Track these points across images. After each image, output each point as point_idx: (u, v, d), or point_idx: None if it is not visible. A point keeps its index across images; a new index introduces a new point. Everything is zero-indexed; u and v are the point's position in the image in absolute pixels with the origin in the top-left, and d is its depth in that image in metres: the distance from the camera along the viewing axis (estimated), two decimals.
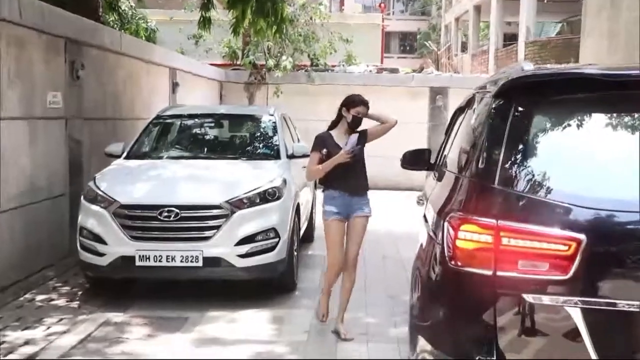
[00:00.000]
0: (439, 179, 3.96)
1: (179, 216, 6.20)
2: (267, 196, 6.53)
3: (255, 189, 6.50)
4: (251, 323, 6.00)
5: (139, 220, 6.26)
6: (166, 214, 6.19)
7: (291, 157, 7.58)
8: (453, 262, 2.87)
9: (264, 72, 15.60)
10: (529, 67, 3.21)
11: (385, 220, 9.72)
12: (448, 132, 5.17)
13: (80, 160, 8.32)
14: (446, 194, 3.38)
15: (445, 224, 2.98)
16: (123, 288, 6.76)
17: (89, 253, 6.37)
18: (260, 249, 6.38)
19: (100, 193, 6.43)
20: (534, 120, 2.98)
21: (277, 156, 7.48)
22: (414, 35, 42.90)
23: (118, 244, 6.22)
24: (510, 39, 25.45)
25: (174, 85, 12.13)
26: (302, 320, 6.06)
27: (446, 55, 26.30)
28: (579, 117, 2.97)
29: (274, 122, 7.98)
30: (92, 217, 6.38)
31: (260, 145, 7.91)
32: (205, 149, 7.89)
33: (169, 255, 6.17)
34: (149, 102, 10.78)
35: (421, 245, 3.69)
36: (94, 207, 6.39)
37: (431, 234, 3.33)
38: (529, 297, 2.68)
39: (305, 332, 5.75)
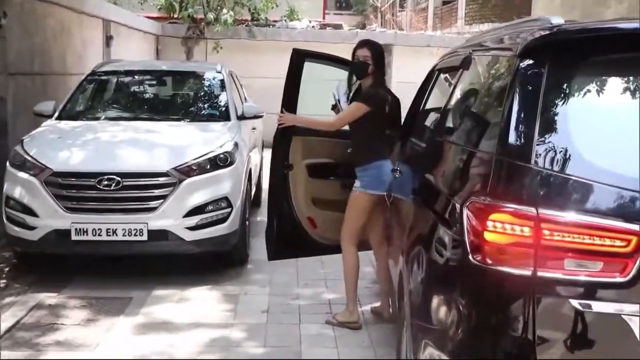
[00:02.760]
0: (434, 150, 3.37)
1: (120, 185, 5.48)
2: (218, 162, 5.86)
3: (204, 155, 5.82)
4: (202, 303, 5.38)
5: (75, 189, 5.51)
6: (106, 182, 5.46)
7: (241, 118, 6.89)
8: (478, 258, 2.31)
9: (203, 27, 14.68)
10: (559, 21, 2.63)
11: None
12: (425, 96, 4.59)
13: (4, 121, 7.38)
14: (456, 171, 2.81)
15: (465, 210, 2.41)
16: (57, 265, 6.00)
17: (17, 226, 5.59)
18: (212, 221, 5.74)
19: (29, 159, 5.63)
20: (574, 86, 2.42)
21: (226, 117, 6.77)
22: None
23: (51, 217, 5.47)
24: None
25: (108, 39, 11.16)
26: (258, 299, 5.47)
27: (390, 12, 25.63)
28: (631, 82, 2.41)
29: (222, 80, 7.24)
30: (20, 186, 5.58)
31: (208, 106, 7.16)
32: (147, 110, 7.07)
33: (109, 229, 5.46)
34: (82, 56, 9.83)
35: (416, 229, 3.12)
36: (22, 175, 5.59)
37: (436, 219, 2.77)
38: (576, 304, 2.15)
39: (263, 313, 5.17)
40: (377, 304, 5.19)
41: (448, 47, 15.05)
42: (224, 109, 6.89)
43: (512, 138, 2.36)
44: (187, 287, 5.67)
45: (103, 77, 7.36)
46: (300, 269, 6.12)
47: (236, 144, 6.16)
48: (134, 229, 5.49)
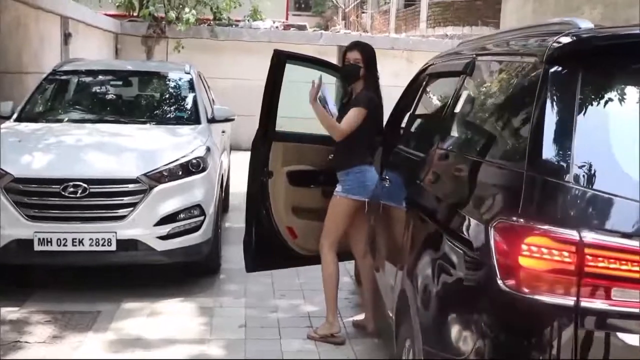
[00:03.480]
0: (439, 161, 3.15)
1: (87, 192, 5.14)
2: (190, 168, 5.56)
3: (176, 160, 5.51)
4: (175, 316, 5.07)
5: (38, 196, 5.15)
6: (72, 189, 5.11)
7: (212, 121, 6.60)
8: (510, 285, 2.10)
9: (164, 25, 14.25)
10: (587, 25, 2.43)
11: None
12: (415, 102, 4.38)
13: None
14: (472, 186, 2.59)
15: (491, 230, 2.19)
16: (19, 277, 5.61)
17: None
18: (184, 229, 5.44)
19: None
20: (612, 95, 2.23)
21: (196, 120, 6.46)
22: None
23: (11, 225, 5.09)
24: None
25: (67, 36, 10.69)
26: (234, 312, 5.19)
27: (355, 13, 25.43)
28: None
29: (191, 81, 6.92)
30: None
31: (177, 108, 6.81)
32: (113, 112, 6.69)
33: (75, 238, 5.11)
34: (39, 54, 9.37)
35: (422, 245, 2.89)
36: None
37: (449, 236, 2.55)
38: (627, 338, 1.94)
39: (240, 327, 4.89)
40: (360, 317, 4.97)
41: (412, 50, 15.01)
42: (193, 111, 6.57)
43: (545, 153, 2.16)
44: (157, 299, 5.35)
45: (65, 77, 6.96)
46: (276, 278, 5.86)
47: (208, 149, 5.87)
48: (102, 239, 5.16)
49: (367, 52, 4.61)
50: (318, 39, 14.86)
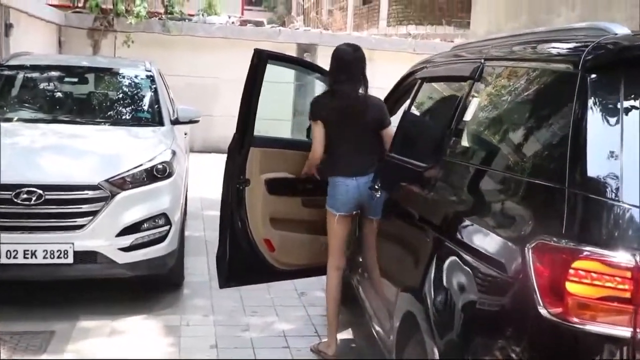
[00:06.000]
0: (449, 174, 3.04)
1: (42, 199, 4.89)
2: (155, 173, 5.36)
3: (140, 165, 5.30)
4: (139, 336, 4.86)
5: None
6: (25, 195, 4.85)
7: (175, 122, 6.39)
8: (555, 313, 2.00)
9: (112, 18, 13.87)
10: (624, 31, 2.36)
11: None
12: (407, 107, 4.27)
13: None
14: (498, 203, 2.49)
15: (529, 252, 2.09)
16: None
17: None
18: (148, 240, 5.24)
19: None
20: None
21: (159, 122, 6.25)
22: None
23: None
24: None
25: (7, 27, 10.27)
26: (203, 330, 5.01)
27: (315, 9, 25.33)
28: None
29: (153, 79, 6.70)
30: None
31: (138, 108, 6.58)
32: (69, 112, 6.41)
33: (27, 250, 4.86)
34: None
35: (437, 268, 2.77)
36: None
37: (475, 259, 2.44)
38: None
39: (212, 348, 4.72)
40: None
41: (375, 49, 14.97)
42: (156, 112, 6.35)
43: (590, 168, 2.07)
44: (117, 316, 5.13)
45: (12, 72, 6.64)
46: (245, 293, 5.67)
47: (174, 153, 5.67)
48: (58, 250, 4.92)
49: (332, 58, 4.57)
50: (277, 36, 14.70)
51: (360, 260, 4.57)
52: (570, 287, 1.98)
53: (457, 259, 2.59)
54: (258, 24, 15.18)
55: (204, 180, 9.22)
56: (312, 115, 4.49)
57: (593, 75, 2.22)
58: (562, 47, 2.54)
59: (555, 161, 2.23)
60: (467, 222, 2.62)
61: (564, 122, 2.25)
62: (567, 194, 2.08)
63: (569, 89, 2.28)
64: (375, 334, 4.02)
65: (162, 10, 14.80)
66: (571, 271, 1.97)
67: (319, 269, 5.08)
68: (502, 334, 2.23)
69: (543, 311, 2.03)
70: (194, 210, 8.51)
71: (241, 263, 4.68)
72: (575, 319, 1.97)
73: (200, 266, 6.44)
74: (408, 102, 4.24)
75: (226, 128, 13.37)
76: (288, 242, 4.76)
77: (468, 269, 2.49)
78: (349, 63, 4.47)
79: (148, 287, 5.62)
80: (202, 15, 15.24)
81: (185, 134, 7.09)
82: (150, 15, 14.20)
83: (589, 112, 2.16)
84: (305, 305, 5.62)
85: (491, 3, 10.24)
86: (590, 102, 2.18)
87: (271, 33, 14.88)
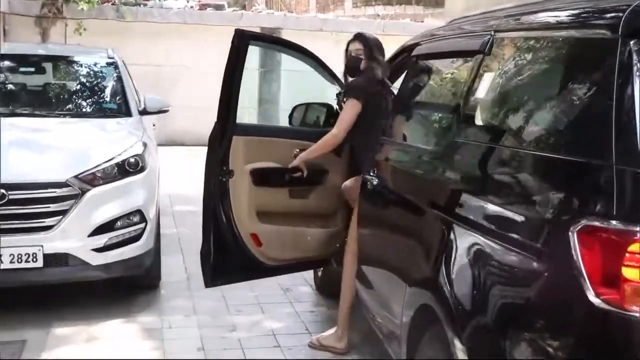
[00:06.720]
0: (464, 154, 2.88)
1: (5, 199, 4.61)
2: (127, 168, 5.11)
3: (111, 159, 5.05)
4: (119, 341, 4.63)
5: None
6: None
7: (143, 113, 6.13)
8: (610, 300, 1.87)
9: (61, 4, 13.42)
10: None
11: None
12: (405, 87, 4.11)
13: None
14: (528, 183, 2.34)
15: (574, 236, 1.96)
16: None
17: None
18: (123, 239, 4.99)
19: None
20: None
21: (126, 112, 5.98)
22: None
23: None
24: None
25: None
26: (187, 332, 4.80)
27: None
28: None
29: (117, 68, 6.42)
30: None
31: (104, 99, 6.30)
32: (29, 104, 6.08)
33: None
34: None
35: (456, 256, 2.63)
36: None
37: (505, 245, 2.31)
38: None
39: (199, 350, 4.52)
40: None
41: (342, 31, 14.78)
42: (123, 102, 6.07)
43: None
44: (93, 321, 4.88)
45: None
46: (227, 292, 5.42)
47: (145, 145, 5.42)
48: (26, 254, 4.66)
49: (369, 43, 4.60)
50: (239, 20, 14.37)
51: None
52: (626, 272, 1.86)
53: (484, 247, 2.44)
54: (218, 7, 14.86)
55: (169, 175, 8.95)
56: (355, 93, 4.39)
57: (635, 40, 2.08)
58: (592, 12, 2.39)
59: (596, 136, 2.08)
60: (494, 207, 2.47)
61: (603, 93, 2.10)
62: (615, 171, 1.94)
63: (607, 56, 2.12)
64: (376, 328, 3.87)
65: None
66: (627, 255, 1.85)
67: (309, 264, 4.95)
68: (542, 323, 2.11)
69: (595, 300, 1.90)
70: (164, 206, 8.20)
71: (227, 260, 4.49)
72: (633, 307, 1.85)
73: (177, 265, 6.22)
74: (403, 81, 4.07)
75: (187, 119, 13.31)
76: (276, 236, 4.58)
77: (498, 258, 2.35)
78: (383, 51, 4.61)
79: (123, 289, 5.39)
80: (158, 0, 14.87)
81: (154, 125, 6.82)
82: (103, 1, 13.79)
83: (636, 80, 2.02)
84: (291, 301, 5.44)
85: None
86: (635, 69, 2.04)
87: (232, 17, 14.58)
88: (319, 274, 5.57)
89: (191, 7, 14.91)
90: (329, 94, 5.18)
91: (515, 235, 2.29)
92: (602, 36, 2.23)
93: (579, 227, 1.98)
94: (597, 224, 1.94)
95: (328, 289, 5.37)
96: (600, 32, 2.26)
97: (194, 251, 6.53)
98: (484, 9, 3.58)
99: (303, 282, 5.78)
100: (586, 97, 2.23)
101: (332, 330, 4.55)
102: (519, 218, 2.31)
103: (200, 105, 12.25)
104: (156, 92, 10.17)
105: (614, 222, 1.91)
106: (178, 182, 9.14)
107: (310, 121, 5.16)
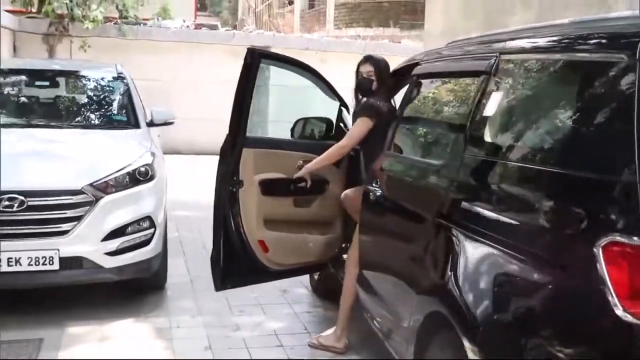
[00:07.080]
0: (478, 171, 2.88)
1: (24, 205, 4.69)
2: (137, 176, 5.19)
3: (122, 168, 5.15)
4: (130, 339, 4.71)
5: None
6: (7, 202, 4.66)
7: (150, 124, 6.15)
8: (635, 314, 1.92)
9: (67, 23, 13.41)
10: None
11: None
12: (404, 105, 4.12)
13: None
14: (554, 198, 2.35)
15: (600, 252, 2.00)
16: None
17: None
18: (134, 244, 5.09)
19: None
20: None
21: (135, 124, 6.03)
22: None
23: None
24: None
25: None
26: (195, 332, 4.88)
27: (268, 13, 25.01)
28: None
29: (126, 82, 6.48)
30: None
31: (114, 111, 6.34)
32: (44, 116, 6.20)
33: (11, 258, 4.66)
34: None
35: (472, 267, 2.64)
36: None
37: (527, 262, 2.33)
38: None
39: (206, 349, 4.54)
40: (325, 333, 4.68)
41: (326, 50, 14.88)
42: (132, 114, 6.17)
43: None
44: (105, 321, 4.96)
45: None
46: (228, 293, 5.44)
47: (154, 155, 5.46)
48: (43, 257, 4.73)
49: (380, 65, 4.65)
50: (231, 39, 14.51)
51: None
52: None
53: (503, 261, 2.48)
54: (212, 27, 14.95)
55: (169, 182, 8.92)
56: (369, 112, 4.42)
57: None
58: (605, 36, 2.42)
59: (619, 154, 2.09)
60: (514, 222, 2.50)
61: (624, 112, 2.13)
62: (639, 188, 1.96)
63: (624, 78, 2.17)
64: (376, 329, 3.88)
65: (116, 15, 14.39)
66: None
67: (309, 268, 4.98)
68: (564, 335, 2.14)
69: (622, 313, 1.94)
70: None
71: (236, 265, 4.50)
72: None
73: (180, 267, 6.24)
74: (406, 98, 4.07)
75: (185, 130, 13.31)
76: (281, 243, 4.65)
77: (516, 271, 2.40)
78: (390, 72, 4.69)
79: (132, 290, 5.38)
80: (157, 19, 14.89)
81: (159, 136, 6.83)
82: (106, 20, 13.80)
83: None
84: (290, 302, 5.50)
85: (446, 2, 10.17)
86: None
87: (225, 36, 14.73)
88: (315, 276, 5.62)
89: (187, 26, 15.01)
90: (316, 107, 5.24)
91: (536, 250, 2.34)
92: (617, 59, 2.27)
93: (604, 242, 2.01)
94: (622, 239, 1.98)
95: (323, 291, 5.45)
96: (617, 54, 2.29)
97: (195, 253, 6.60)
98: (461, 32, 3.60)
99: (299, 284, 5.82)
100: (607, 117, 2.27)
101: (331, 330, 4.59)
102: (541, 232, 2.35)
103: (195, 117, 12.34)
104: (156, 105, 10.24)
105: (635, 238, 1.94)
106: (178, 188, 9.12)
107: (311, 134, 5.19)
